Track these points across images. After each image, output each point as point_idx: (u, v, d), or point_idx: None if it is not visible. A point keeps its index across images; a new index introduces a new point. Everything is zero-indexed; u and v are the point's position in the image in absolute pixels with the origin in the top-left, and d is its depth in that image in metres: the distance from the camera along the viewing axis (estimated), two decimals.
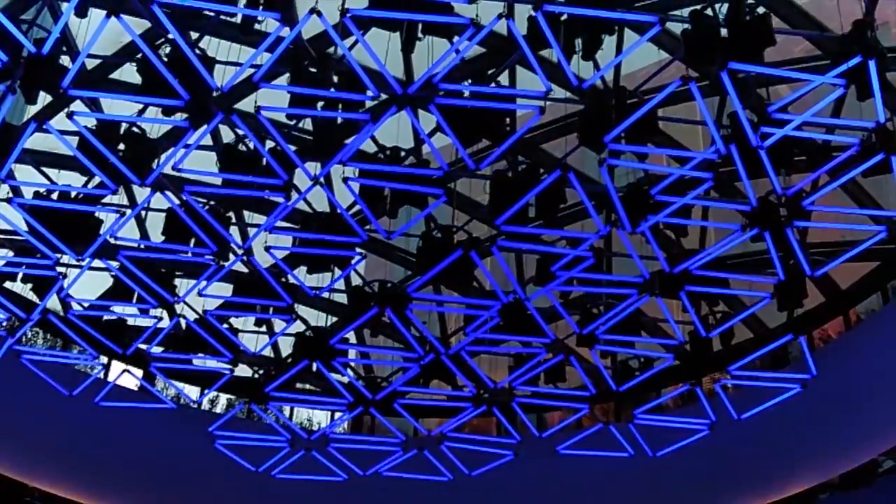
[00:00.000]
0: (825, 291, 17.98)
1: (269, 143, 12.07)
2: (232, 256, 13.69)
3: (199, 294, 14.26)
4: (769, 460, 17.88)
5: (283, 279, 14.48)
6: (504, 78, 14.42)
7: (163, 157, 12.69)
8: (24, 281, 14.51)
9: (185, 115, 11.43)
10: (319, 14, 9.84)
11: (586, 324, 14.73)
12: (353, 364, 17.01)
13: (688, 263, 13.28)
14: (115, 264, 14.01)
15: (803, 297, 14.16)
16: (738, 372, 15.27)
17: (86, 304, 15.10)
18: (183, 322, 15.44)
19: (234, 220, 14.37)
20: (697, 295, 14.30)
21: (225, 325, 15.39)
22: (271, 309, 14.53)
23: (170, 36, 10.62)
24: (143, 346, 15.86)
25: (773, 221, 12.54)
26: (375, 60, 10.46)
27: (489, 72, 13.18)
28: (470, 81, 11.57)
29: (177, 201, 12.62)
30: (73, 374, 17.75)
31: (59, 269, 13.95)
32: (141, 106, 12.21)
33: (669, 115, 15.61)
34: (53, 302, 15.62)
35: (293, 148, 15.30)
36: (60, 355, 16.58)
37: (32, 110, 13.99)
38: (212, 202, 13.22)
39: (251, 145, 12.01)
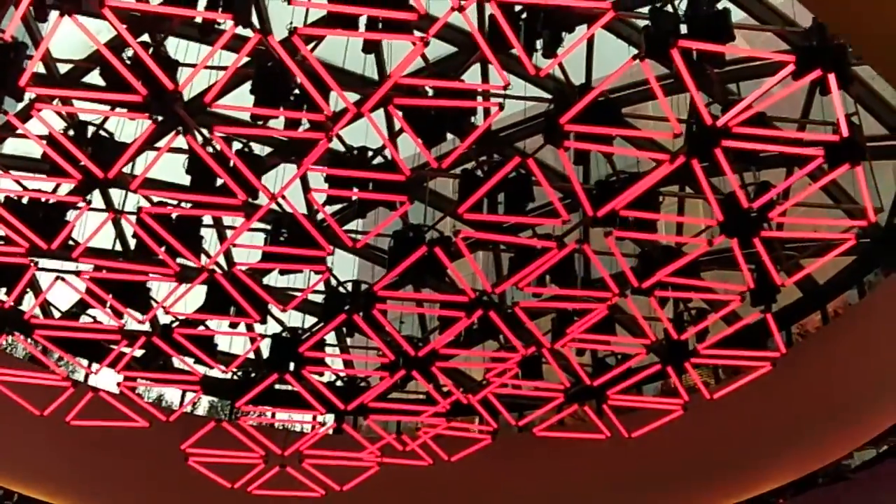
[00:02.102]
0: (802, 287, 17.99)
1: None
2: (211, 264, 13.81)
3: (165, 312, 14.38)
4: (746, 453, 17.91)
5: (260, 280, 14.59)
6: (477, 77, 14.53)
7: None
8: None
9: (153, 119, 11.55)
10: (268, 35, 10.01)
11: (562, 323, 14.87)
12: (330, 363, 16.95)
13: (659, 275, 13.33)
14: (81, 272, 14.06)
15: (776, 292, 14.20)
16: (708, 351, 15.27)
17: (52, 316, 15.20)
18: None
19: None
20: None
21: (201, 327, 15.52)
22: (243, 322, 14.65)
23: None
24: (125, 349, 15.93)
25: (741, 229, 12.64)
26: (331, 83, 10.63)
27: (453, 72, 13.15)
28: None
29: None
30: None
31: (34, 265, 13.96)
32: (108, 110, 12.36)
33: (645, 112, 15.80)
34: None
35: (268, 150, 15.63)
36: (30, 376, 16.55)
37: None
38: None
39: (218, 147, 12.02)
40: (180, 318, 14.88)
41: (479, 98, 12.02)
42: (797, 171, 12.72)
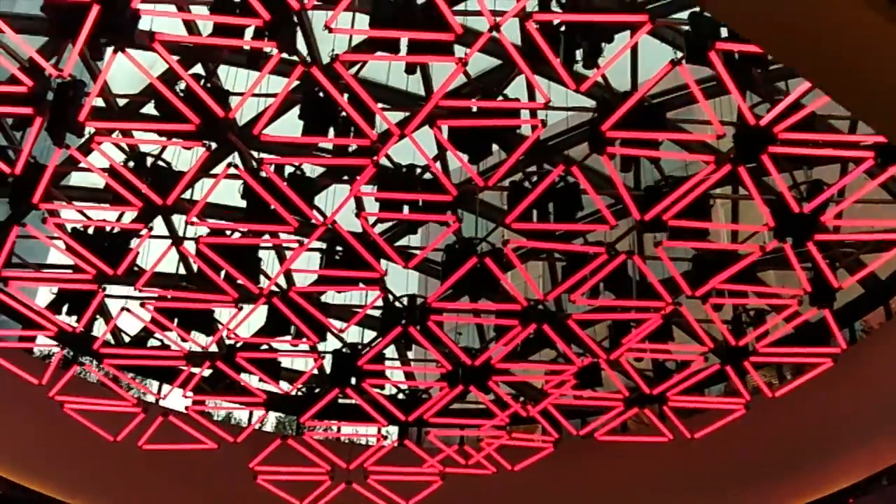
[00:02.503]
0: (864, 282, 17.71)
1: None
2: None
3: (228, 337, 14.87)
4: (813, 452, 17.68)
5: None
6: (521, 88, 14.63)
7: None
8: (69, 313, 14.96)
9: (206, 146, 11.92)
10: (311, 66, 10.27)
11: (618, 332, 14.94)
12: (390, 376, 17.28)
13: (713, 283, 13.32)
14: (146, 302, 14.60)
15: (836, 292, 14.09)
16: (768, 349, 15.18)
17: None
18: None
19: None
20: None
21: (265, 347, 15.94)
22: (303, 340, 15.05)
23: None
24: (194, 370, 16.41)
25: (795, 233, 12.59)
26: (374, 108, 10.93)
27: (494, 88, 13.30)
28: (478, 98, 11.75)
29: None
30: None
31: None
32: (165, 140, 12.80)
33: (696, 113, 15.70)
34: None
35: (321, 169, 15.94)
36: (102, 403, 17.13)
37: None
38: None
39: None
40: (242, 342, 15.33)
41: (522, 114, 12.11)
42: (851, 170, 12.62)
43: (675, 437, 17.25)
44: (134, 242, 13.65)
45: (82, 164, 13.23)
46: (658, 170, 13.47)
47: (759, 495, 18.30)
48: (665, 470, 18.58)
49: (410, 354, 19.01)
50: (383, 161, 12.48)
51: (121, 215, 13.75)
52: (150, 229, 13.36)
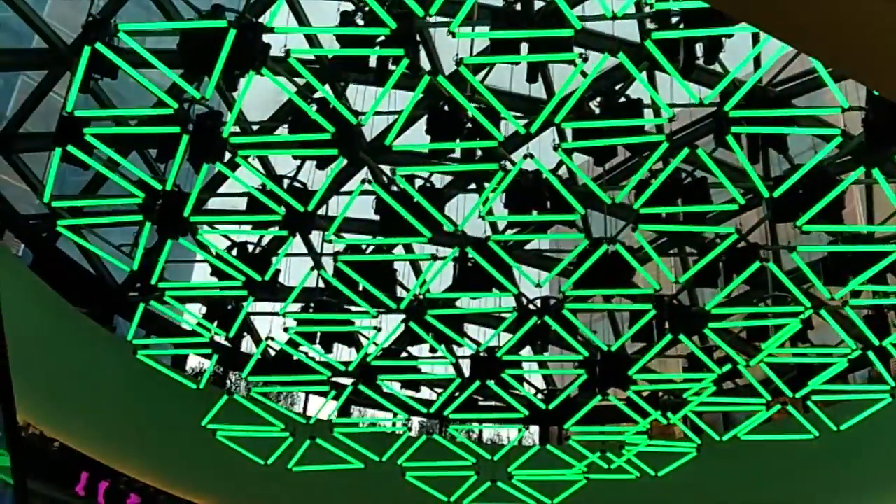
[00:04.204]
0: None
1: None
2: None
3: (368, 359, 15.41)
4: None
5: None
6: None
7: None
8: (220, 327, 15.69)
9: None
10: (436, 75, 10.59)
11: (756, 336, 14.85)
12: (528, 379, 17.53)
13: (852, 285, 13.05)
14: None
15: None
16: None
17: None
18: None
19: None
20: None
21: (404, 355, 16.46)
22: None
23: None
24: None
25: None
26: (501, 110, 11.29)
27: (617, 87, 13.37)
28: (601, 100, 11.88)
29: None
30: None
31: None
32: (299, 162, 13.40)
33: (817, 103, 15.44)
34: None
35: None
36: (252, 429, 17.96)
37: None
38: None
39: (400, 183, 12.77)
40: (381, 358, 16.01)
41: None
42: None
43: (820, 430, 16.84)
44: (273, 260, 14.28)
45: (220, 189, 13.91)
46: (788, 160, 13.29)
47: None
48: (810, 463, 18.19)
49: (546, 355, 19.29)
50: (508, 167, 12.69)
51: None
52: (294, 236, 13.87)
